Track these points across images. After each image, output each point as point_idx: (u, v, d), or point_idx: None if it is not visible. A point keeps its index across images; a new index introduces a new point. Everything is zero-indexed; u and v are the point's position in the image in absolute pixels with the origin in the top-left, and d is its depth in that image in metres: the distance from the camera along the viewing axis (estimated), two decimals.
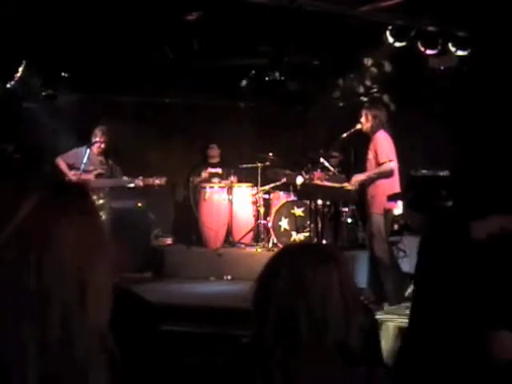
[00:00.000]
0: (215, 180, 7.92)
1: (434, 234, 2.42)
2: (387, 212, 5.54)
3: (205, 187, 7.70)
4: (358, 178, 5.75)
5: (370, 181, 5.60)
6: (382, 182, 5.52)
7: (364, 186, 5.71)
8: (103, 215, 6.25)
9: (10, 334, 0.78)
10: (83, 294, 0.83)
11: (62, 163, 6.57)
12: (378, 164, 5.54)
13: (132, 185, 6.50)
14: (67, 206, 0.86)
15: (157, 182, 6.51)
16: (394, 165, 5.52)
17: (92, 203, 0.92)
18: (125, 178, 6.55)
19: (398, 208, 5.88)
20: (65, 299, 0.81)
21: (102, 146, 6.58)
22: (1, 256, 0.79)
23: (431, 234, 2.44)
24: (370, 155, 5.64)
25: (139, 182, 6.46)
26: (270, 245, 7.27)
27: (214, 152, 8.10)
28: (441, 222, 2.59)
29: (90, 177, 6.52)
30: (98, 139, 6.53)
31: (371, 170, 5.63)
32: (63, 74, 6.74)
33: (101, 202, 6.40)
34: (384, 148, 5.54)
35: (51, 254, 0.81)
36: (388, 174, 5.51)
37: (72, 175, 6.46)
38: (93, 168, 6.56)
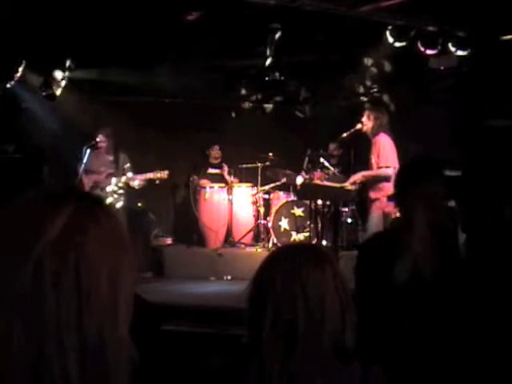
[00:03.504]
0: (215, 180, 7.94)
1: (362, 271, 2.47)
2: (387, 214, 5.54)
3: (205, 187, 7.71)
4: (355, 177, 5.77)
5: (372, 183, 5.59)
6: (384, 186, 5.51)
7: (366, 187, 5.72)
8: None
9: (51, 340, 0.79)
10: (115, 299, 0.84)
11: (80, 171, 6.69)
12: (378, 168, 5.54)
13: (136, 183, 6.61)
14: (95, 212, 0.89)
15: (158, 175, 6.63)
16: (391, 171, 5.50)
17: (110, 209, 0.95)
18: (129, 175, 6.65)
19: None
20: (100, 303, 0.82)
21: (104, 146, 6.66)
22: (40, 262, 0.80)
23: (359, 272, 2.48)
24: (373, 159, 5.64)
25: (141, 177, 6.58)
26: (270, 245, 7.27)
27: (217, 153, 8.09)
28: (364, 251, 2.63)
29: (101, 177, 6.61)
30: (101, 143, 6.63)
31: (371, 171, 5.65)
32: (64, 73, 6.73)
33: (108, 201, 6.51)
34: (386, 153, 5.53)
35: (86, 257, 0.83)
36: (384, 179, 5.50)
37: (85, 178, 6.58)
38: (104, 169, 6.64)
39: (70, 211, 0.85)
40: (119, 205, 6.66)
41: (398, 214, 2.59)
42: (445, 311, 2.27)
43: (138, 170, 6.91)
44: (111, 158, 6.75)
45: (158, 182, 6.82)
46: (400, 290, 2.25)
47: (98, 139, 6.60)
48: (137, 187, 6.69)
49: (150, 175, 6.67)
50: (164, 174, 6.71)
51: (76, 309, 0.80)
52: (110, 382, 0.82)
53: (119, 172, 6.68)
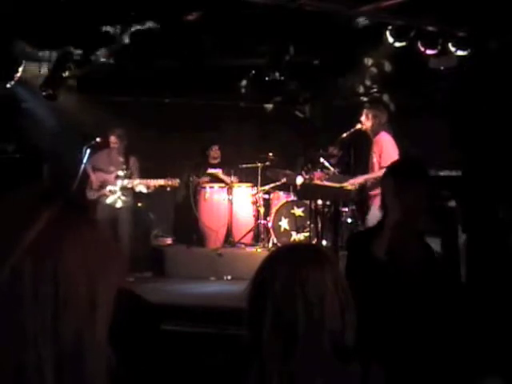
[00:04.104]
0: (215, 180, 7.94)
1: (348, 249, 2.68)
2: None
3: (205, 187, 7.71)
4: (357, 180, 5.77)
5: (373, 182, 5.58)
6: None
7: (366, 185, 5.71)
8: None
9: (28, 349, 0.78)
10: (93, 306, 0.83)
11: (89, 169, 6.74)
12: (380, 167, 5.53)
13: (143, 189, 6.67)
14: (75, 219, 0.87)
15: (169, 182, 6.70)
16: None
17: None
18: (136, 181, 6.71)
19: None
20: (78, 311, 0.81)
21: (116, 147, 6.74)
22: (18, 267, 0.79)
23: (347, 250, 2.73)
24: (374, 158, 5.61)
25: (152, 183, 6.65)
26: (270, 245, 7.27)
27: (216, 153, 8.09)
28: (349, 240, 2.92)
29: (110, 177, 6.65)
30: (112, 144, 6.71)
31: (372, 173, 5.64)
32: (63, 74, 6.72)
33: (111, 200, 6.58)
34: (388, 152, 5.51)
35: (64, 264, 0.81)
36: None
37: (93, 176, 6.64)
38: (113, 169, 6.69)
39: (48, 217, 0.82)
40: (121, 204, 6.68)
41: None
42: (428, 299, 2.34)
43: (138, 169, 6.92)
44: (122, 159, 6.80)
45: (169, 189, 6.90)
46: (381, 270, 2.33)
47: (113, 144, 6.69)
48: (144, 191, 6.76)
49: (161, 182, 6.73)
50: (176, 182, 6.80)
51: (52, 317, 0.79)
52: None
53: (127, 174, 6.72)
